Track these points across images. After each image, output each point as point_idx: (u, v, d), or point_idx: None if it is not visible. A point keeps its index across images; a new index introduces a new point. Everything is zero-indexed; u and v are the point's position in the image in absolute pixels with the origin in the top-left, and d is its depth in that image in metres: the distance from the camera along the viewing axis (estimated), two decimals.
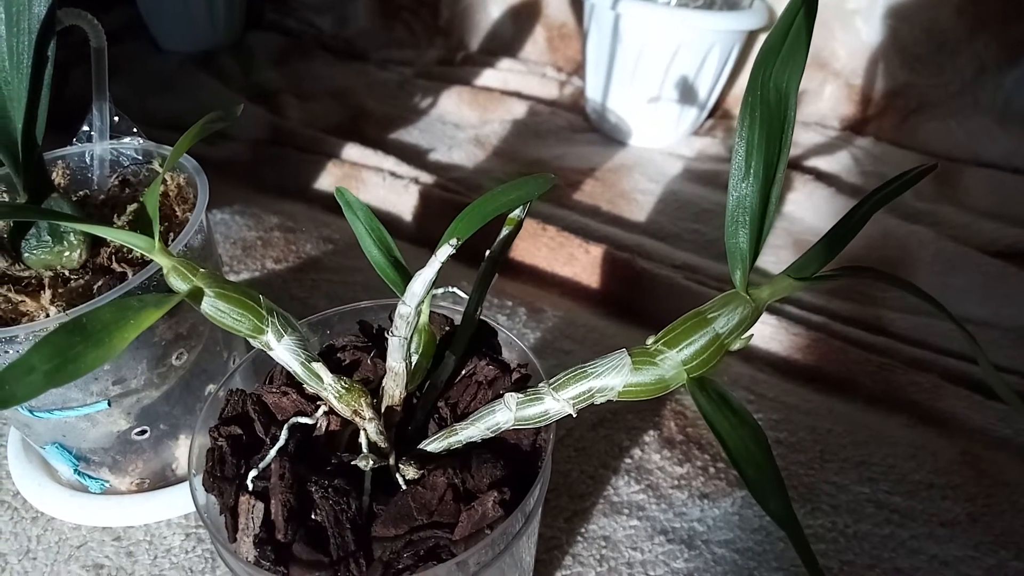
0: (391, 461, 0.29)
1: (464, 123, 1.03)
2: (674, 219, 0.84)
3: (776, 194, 0.27)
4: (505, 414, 0.29)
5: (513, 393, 0.29)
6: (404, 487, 0.29)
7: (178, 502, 0.46)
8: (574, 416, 0.29)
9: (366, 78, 1.16)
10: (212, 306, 0.28)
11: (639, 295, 0.70)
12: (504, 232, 0.31)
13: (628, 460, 0.50)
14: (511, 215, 0.31)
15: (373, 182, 0.86)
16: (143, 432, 0.43)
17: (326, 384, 0.29)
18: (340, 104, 1.09)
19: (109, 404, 0.40)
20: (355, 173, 0.88)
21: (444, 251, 0.24)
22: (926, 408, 0.58)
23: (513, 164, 0.94)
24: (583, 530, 0.45)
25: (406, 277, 0.31)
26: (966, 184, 0.88)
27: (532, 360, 0.33)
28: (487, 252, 0.31)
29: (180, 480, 0.47)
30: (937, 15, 0.92)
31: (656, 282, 0.70)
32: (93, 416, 0.41)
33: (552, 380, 0.29)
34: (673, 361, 0.27)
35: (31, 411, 0.40)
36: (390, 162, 0.89)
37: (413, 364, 0.29)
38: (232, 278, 0.67)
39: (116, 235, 0.28)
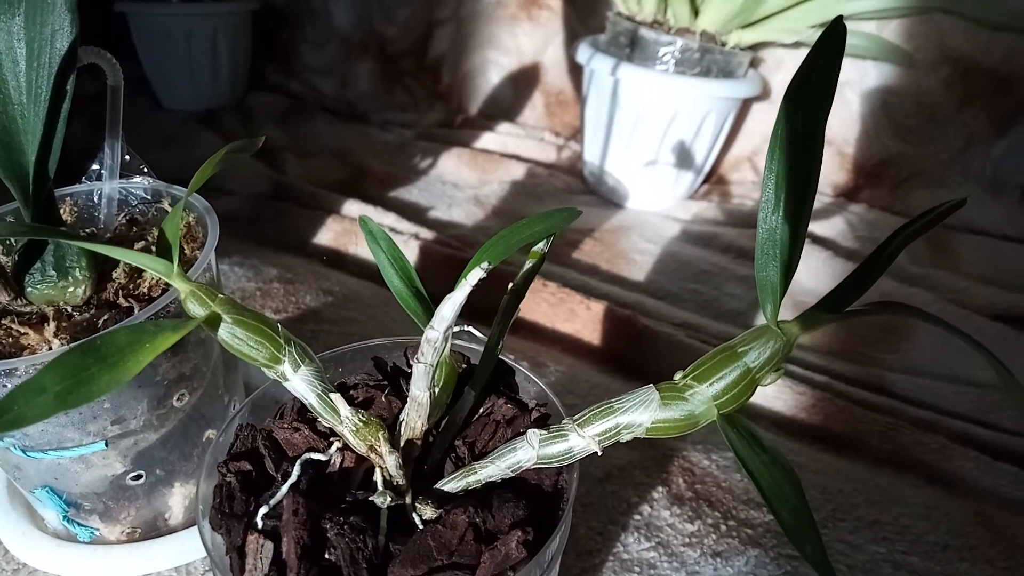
0: (407, 500, 0.28)
1: (463, 183, 1.04)
2: (673, 279, 0.84)
3: (804, 228, 0.27)
4: (527, 452, 0.28)
5: (535, 430, 0.28)
6: (421, 527, 0.27)
7: (170, 553, 0.44)
8: (599, 454, 0.28)
9: (367, 139, 1.17)
10: (229, 333, 0.27)
11: (641, 352, 0.70)
12: (527, 265, 0.31)
13: (637, 516, 0.49)
14: (534, 248, 0.31)
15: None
16: (138, 477, 0.41)
17: (343, 417, 0.28)
18: (341, 162, 1.10)
19: (106, 445, 0.39)
20: (355, 228, 0.88)
21: (475, 274, 0.23)
22: (935, 469, 0.57)
23: (512, 222, 0.94)
24: None
25: (427, 307, 0.31)
26: (960, 250, 0.89)
27: (552, 399, 0.32)
28: (509, 285, 0.31)
29: (173, 530, 0.45)
30: (926, 88, 0.95)
31: (658, 339, 0.69)
32: (88, 458, 0.39)
33: (576, 416, 0.28)
34: (703, 396, 0.27)
35: (24, 451, 0.38)
36: (390, 218, 0.90)
37: (434, 399, 0.28)
38: None
39: (134, 257, 0.28)
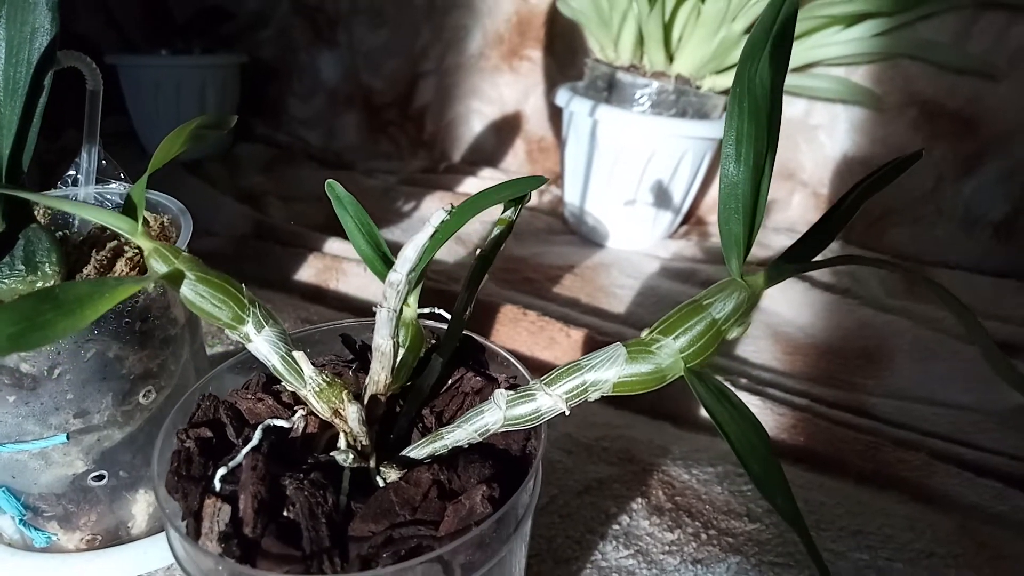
0: (372, 464, 0.27)
1: None
2: (653, 312, 0.84)
3: (766, 185, 0.27)
4: (495, 414, 0.28)
5: (502, 390, 0.28)
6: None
7: (131, 561, 0.42)
8: (567, 414, 0.28)
9: (351, 183, 1.18)
10: (192, 290, 0.27)
11: None
12: (495, 232, 0.31)
13: (616, 526, 0.47)
14: (502, 216, 0.31)
15: (354, 272, 0.86)
16: (100, 477, 0.40)
17: (307, 377, 0.27)
18: (324, 205, 1.10)
19: (68, 438, 0.37)
20: (336, 265, 0.89)
21: (438, 216, 0.24)
22: (918, 486, 0.56)
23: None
24: None
25: None
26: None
27: (523, 373, 0.32)
28: (478, 251, 0.31)
29: (134, 539, 0.43)
30: (894, 130, 0.98)
31: None
32: (48, 454, 0.38)
33: (544, 377, 0.28)
34: (670, 349, 0.27)
35: None
36: None
37: (399, 358, 0.28)
38: (207, 352, 0.65)
39: (99, 215, 0.28)
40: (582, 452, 0.55)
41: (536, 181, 0.30)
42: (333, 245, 0.93)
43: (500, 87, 1.23)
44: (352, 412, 0.26)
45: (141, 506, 0.43)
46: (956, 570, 0.46)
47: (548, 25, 1.18)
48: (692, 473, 0.53)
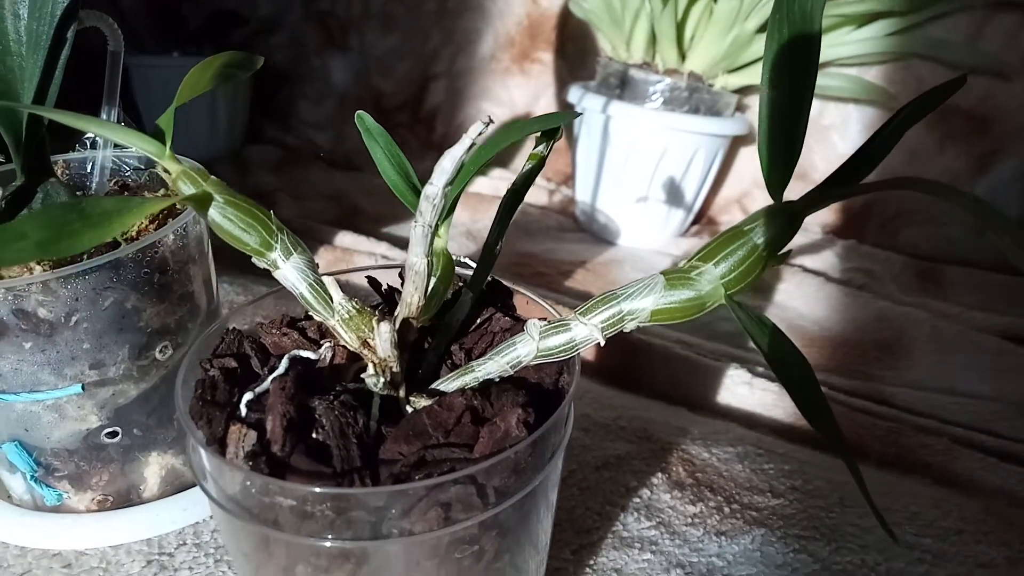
0: (401, 393, 0.27)
1: (456, 221, 1.05)
2: None
3: (807, 105, 0.27)
4: (527, 345, 0.27)
5: (535, 320, 0.27)
6: None
7: (141, 524, 0.41)
8: (602, 344, 0.27)
9: (360, 183, 1.19)
10: (220, 212, 0.26)
11: (635, 365, 0.69)
12: (527, 166, 0.30)
13: (636, 499, 0.46)
14: (534, 151, 0.30)
15: (365, 264, 0.86)
16: (114, 434, 0.39)
17: (336, 304, 0.27)
18: (334, 203, 1.10)
19: (83, 389, 0.37)
20: (346, 257, 0.88)
21: (475, 128, 0.23)
22: (940, 470, 0.55)
23: (503, 256, 0.94)
24: (592, 562, 0.41)
25: None
26: (950, 281, 0.89)
27: (553, 315, 0.31)
28: (511, 185, 0.30)
29: (146, 503, 0.42)
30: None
31: (652, 352, 0.68)
32: (62, 407, 0.37)
33: (579, 307, 0.27)
34: (710, 276, 0.26)
35: None
36: (382, 247, 0.90)
37: (431, 287, 0.27)
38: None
39: (126, 136, 0.27)
40: (599, 430, 0.54)
41: (568, 115, 0.30)
42: (344, 238, 0.93)
43: (511, 89, 1.23)
44: (384, 331, 0.25)
45: (154, 468, 0.42)
46: (986, 545, 0.45)
47: (559, 27, 1.18)
48: (712, 452, 0.52)
